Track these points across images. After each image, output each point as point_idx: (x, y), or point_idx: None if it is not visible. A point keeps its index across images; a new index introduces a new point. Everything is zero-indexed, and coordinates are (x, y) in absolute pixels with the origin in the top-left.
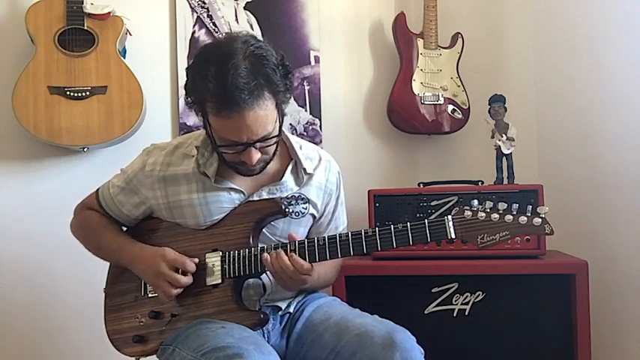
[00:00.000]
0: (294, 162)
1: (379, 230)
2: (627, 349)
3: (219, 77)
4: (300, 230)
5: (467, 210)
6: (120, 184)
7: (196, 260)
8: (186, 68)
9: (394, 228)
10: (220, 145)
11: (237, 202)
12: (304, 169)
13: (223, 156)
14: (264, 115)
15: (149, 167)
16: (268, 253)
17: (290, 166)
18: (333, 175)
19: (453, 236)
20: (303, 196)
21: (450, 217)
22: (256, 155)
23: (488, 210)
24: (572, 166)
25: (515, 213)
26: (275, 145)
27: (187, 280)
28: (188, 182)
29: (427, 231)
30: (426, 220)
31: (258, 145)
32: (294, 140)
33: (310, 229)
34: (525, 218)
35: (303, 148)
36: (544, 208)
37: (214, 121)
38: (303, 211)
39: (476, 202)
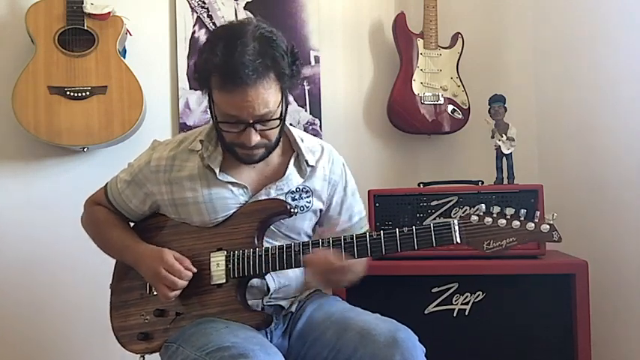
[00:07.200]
0: (297, 154)
1: (384, 234)
2: (627, 349)
3: (227, 52)
4: (304, 224)
5: (473, 214)
6: (127, 177)
7: (194, 270)
8: (199, 48)
9: (399, 232)
10: (221, 122)
11: (241, 199)
12: (306, 161)
13: (224, 136)
14: (266, 95)
15: (154, 162)
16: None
17: (292, 159)
18: (337, 166)
19: (459, 241)
20: (307, 189)
21: (455, 221)
22: (255, 137)
23: (495, 215)
24: (572, 166)
25: (522, 219)
26: (277, 129)
27: (183, 283)
28: (192, 181)
29: (432, 235)
30: (431, 224)
31: (257, 126)
32: (296, 134)
33: (320, 220)
34: (533, 224)
35: (305, 141)
36: (553, 214)
37: (217, 96)
38: (307, 205)
39: (483, 206)
